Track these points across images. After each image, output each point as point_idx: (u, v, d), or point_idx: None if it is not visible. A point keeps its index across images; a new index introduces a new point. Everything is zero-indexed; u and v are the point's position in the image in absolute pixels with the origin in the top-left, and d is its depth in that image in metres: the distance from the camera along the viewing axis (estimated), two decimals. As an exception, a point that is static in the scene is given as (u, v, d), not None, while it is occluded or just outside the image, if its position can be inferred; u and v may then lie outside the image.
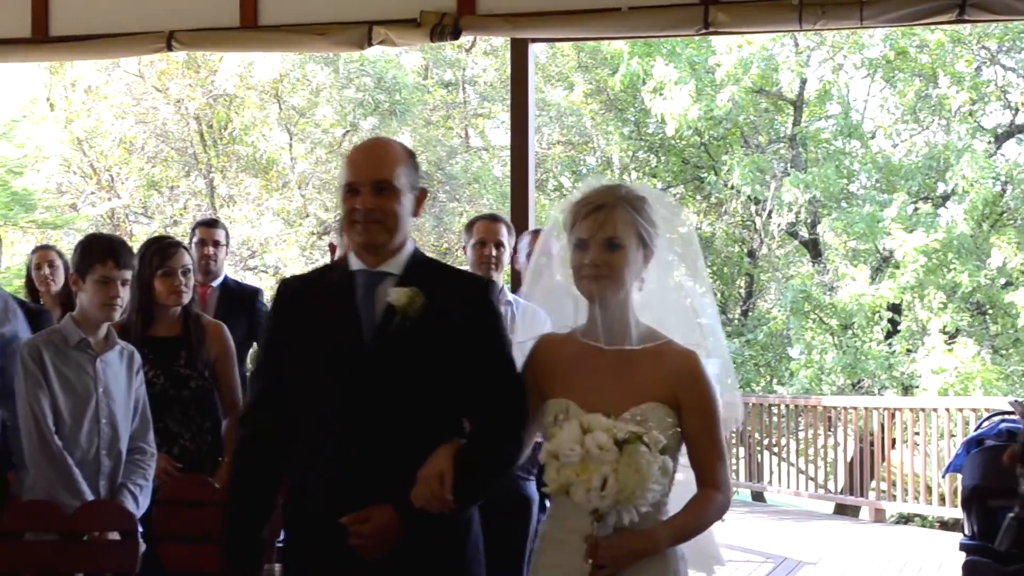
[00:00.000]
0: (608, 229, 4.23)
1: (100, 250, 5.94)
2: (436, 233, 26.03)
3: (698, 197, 27.22)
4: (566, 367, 4.32)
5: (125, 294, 5.96)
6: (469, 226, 7.81)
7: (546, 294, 4.68)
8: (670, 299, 4.51)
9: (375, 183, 4.35)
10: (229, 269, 9.96)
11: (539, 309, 8.16)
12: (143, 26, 10.12)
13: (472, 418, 4.43)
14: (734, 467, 19.37)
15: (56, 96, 25.54)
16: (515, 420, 4.37)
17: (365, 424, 4.28)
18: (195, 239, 8.70)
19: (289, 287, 4.71)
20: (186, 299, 6.70)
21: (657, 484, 4.04)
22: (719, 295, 27.19)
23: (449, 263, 5.03)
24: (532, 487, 7.26)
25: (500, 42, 24.44)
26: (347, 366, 4.33)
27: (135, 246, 6.57)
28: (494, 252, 7.60)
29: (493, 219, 7.94)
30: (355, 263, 4.47)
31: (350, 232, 4.42)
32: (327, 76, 26.08)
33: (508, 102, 10.62)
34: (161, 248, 6.73)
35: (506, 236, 7.74)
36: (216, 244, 8.71)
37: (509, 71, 10.29)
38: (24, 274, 9.43)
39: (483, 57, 27.28)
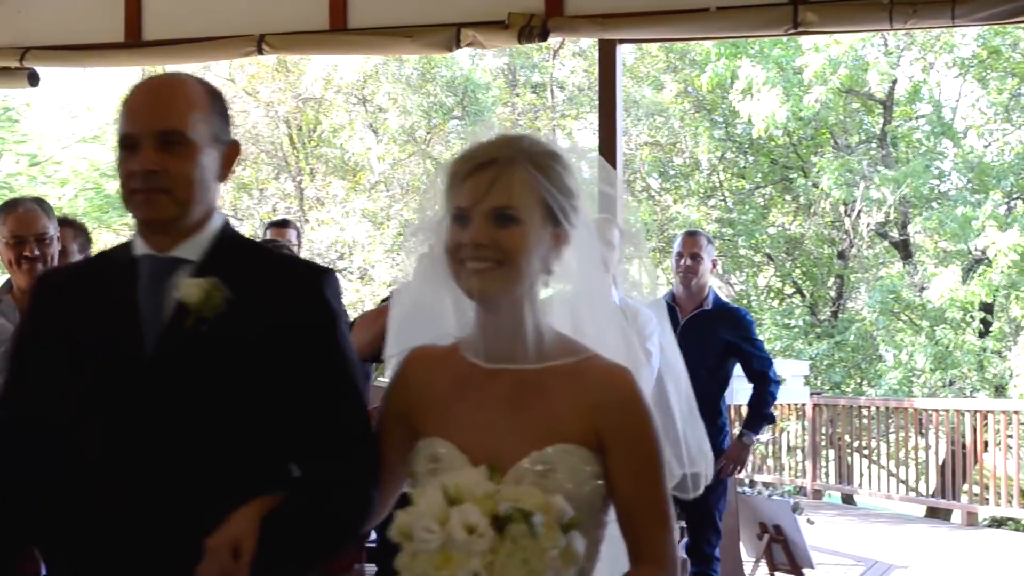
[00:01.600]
0: (498, 195, 3.02)
1: None
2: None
3: (787, 198, 27.06)
4: (444, 394, 3.13)
5: None
6: None
7: (419, 287, 3.38)
8: (599, 303, 3.30)
9: (160, 134, 3.17)
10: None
11: (642, 309, 8.31)
12: (234, 30, 10.22)
13: (300, 464, 3.26)
14: (824, 470, 19.24)
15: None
16: (359, 466, 3.18)
17: (138, 467, 3.13)
18: (267, 240, 8.81)
19: (49, 281, 3.54)
20: None
21: None
22: (808, 296, 27.01)
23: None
24: None
25: (587, 43, 24.44)
26: (118, 385, 3.17)
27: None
28: None
29: (604, 220, 8.07)
30: (140, 246, 3.30)
31: (128, 204, 3.27)
32: (411, 77, 26.18)
33: (596, 103, 10.66)
34: None
35: (615, 237, 7.91)
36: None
37: (597, 72, 10.30)
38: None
39: (571, 58, 27.29)
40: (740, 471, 8.98)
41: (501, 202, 3.02)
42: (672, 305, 8.61)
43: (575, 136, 28.21)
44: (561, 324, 3.18)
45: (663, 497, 3.10)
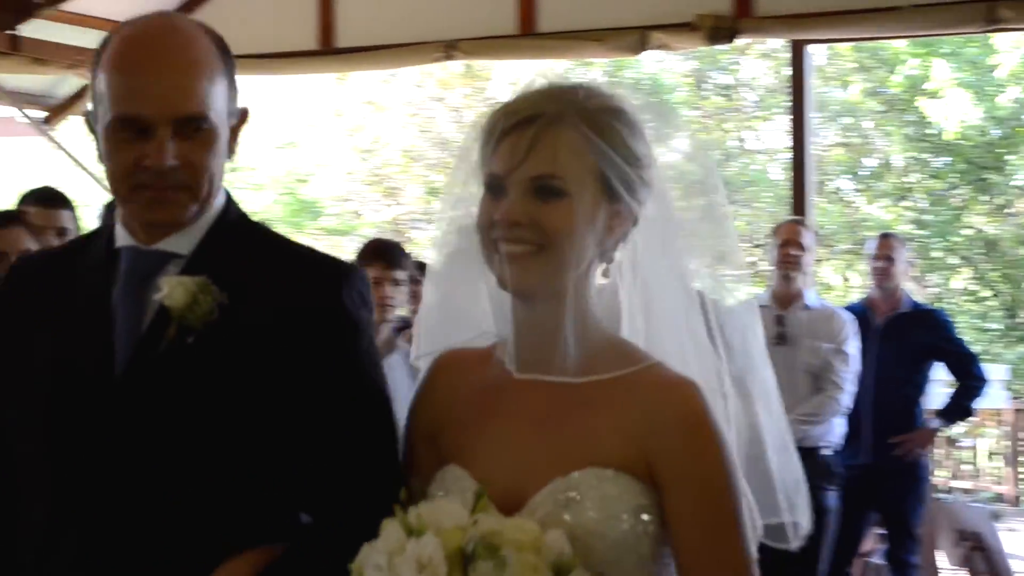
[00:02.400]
0: (539, 161, 2.39)
1: (370, 252, 6.18)
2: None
3: (983, 198, 26.49)
4: (471, 408, 2.54)
5: (398, 294, 6.13)
6: (774, 230, 8.18)
7: (451, 274, 2.71)
8: (672, 302, 2.58)
9: (180, 121, 2.51)
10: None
11: (837, 311, 8.28)
12: (424, 36, 10.35)
13: (310, 510, 2.65)
14: None
15: (341, 106, 26.28)
16: (378, 514, 2.41)
17: (104, 510, 2.52)
18: None
19: (24, 269, 2.92)
20: None
21: None
22: (1006, 298, 26.42)
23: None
24: (831, 497, 7.48)
25: (775, 43, 24.24)
26: (82, 409, 2.56)
27: (417, 251, 6.76)
28: (793, 252, 7.89)
29: (796, 222, 8.40)
30: (122, 236, 2.65)
31: (128, 200, 2.58)
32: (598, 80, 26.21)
33: (785, 104, 10.61)
34: None
35: (809, 239, 8.04)
36: None
37: (783, 72, 10.27)
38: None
39: (758, 59, 27.08)
40: (921, 455, 8.77)
41: (543, 170, 2.39)
42: (867, 309, 8.55)
43: (764, 137, 28.04)
44: (631, 328, 2.58)
45: (737, 547, 2.42)
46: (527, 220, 2.39)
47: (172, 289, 2.51)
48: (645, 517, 2.36)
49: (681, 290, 2.57)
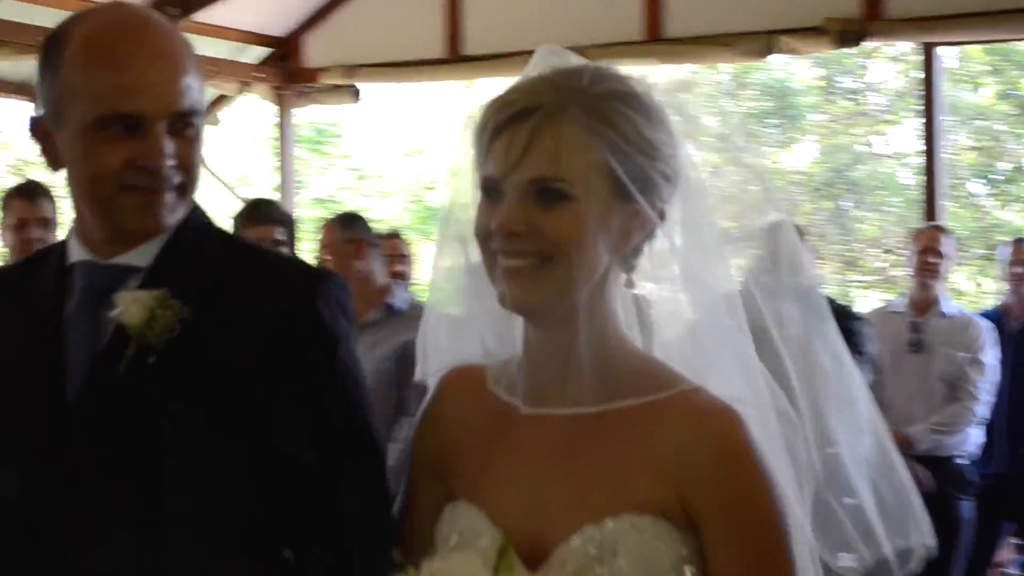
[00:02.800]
0: (538, 160, 2.07)
1: None
2: (843, 242, 25.70)
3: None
4: (483, 435, 2.23)
5: None
6: (914, 236, 8.15)
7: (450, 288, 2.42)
8: (708, 312, 2.24)
9: (174, 117, 2.32)
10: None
11: (974, 319, 8.17)
12: (550, 42, 10.34)
13: (293, 548, 2.41)
14: None
15: (468, 113, 26.48)
16: (373, 552, 2.26)
17: (60, 552, 2.29)
18: None
19: None
20: None
21: None
22: None
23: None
24: (965, 507, 7.40)
25: (904, 47, 23.97)
26: (32, 442, 2.33)
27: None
28: (932, 260, 7.85)
29: (936, 228, 8.34)
30: (77, 251, 2.42)
31: (111, 205, 2.34)
32: (726, 83, 26.10)
33: (914, 107, 10.54)
34: None
35: (949, 246, 7.98)
36: None
37: (913, 75, 10.19)
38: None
39: (887, 62, 26.81)
40: None
41: (543, 171, 2.07)
42: (1001, 315, 8.44)
43: (893, 141, 27.76)
44: (660, 343, 2.28)
45: None
46: (526, 229, 2.08)
47: (127, 306, 2.28)
48: (687, 570, 2.08)
49: (721, 297, 2.23)
